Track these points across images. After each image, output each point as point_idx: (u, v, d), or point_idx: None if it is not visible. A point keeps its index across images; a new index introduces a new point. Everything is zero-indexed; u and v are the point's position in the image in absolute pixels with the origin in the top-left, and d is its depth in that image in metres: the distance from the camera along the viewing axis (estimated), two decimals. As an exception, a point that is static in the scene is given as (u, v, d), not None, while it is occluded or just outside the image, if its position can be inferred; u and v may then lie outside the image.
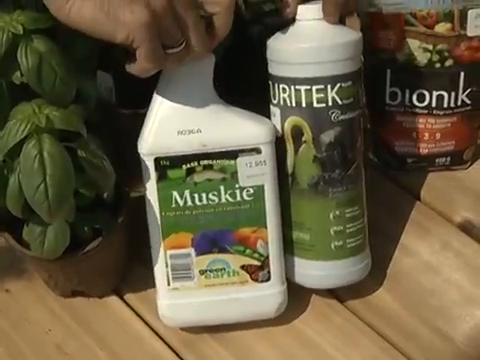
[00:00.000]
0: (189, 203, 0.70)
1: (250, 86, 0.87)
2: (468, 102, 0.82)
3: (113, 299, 0.78)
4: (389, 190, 0.87)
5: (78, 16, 0.59)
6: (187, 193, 0.70)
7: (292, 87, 0.70)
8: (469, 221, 0.84)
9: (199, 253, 0.73)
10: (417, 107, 0.82)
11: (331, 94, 0.69)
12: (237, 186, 0.71)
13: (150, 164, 0.69)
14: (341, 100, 0.70)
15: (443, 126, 0.84)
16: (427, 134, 0.85)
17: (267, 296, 0.75)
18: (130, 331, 0.77)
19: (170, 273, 0.73)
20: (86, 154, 0.67)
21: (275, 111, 0.72)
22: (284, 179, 0.73)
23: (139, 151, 0.69)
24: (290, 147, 0.72)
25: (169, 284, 0.73)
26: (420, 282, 0.80)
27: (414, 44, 0.78)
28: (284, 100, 0.71)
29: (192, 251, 0.72)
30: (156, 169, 0.69)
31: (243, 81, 0.86)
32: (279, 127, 0.72)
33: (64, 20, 0.60)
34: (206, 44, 0.64)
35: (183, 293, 0.74)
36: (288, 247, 0.76)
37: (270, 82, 0.73)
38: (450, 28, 0.77)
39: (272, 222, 0.72)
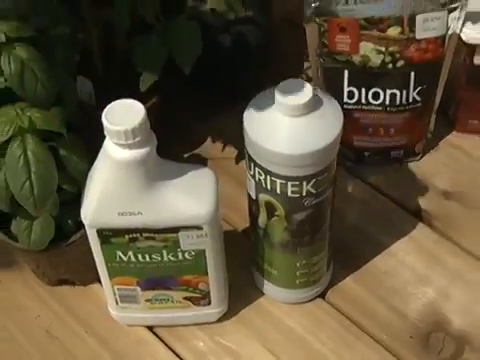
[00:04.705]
0: (133, 259, 0.67)
1: (220, 89, 0.87)
2: (418, 99, 0.82)
3: (96, 286, 0.78)
4: (348, 182, 0.87)
5: None
6: (131, 253, 0.67)
7: (268, 176, 0.64)
8: (421, 208, 0.85)
9: (144, 289, 0.71)
10: (372, 105, 0.83)
11: (306, 187, 0.64)
12: (179, 250, 0.67)
13: (93, 232, 0.65)
14: (316, 190, 0.65)
15: (396, 122, 0.84)
16: (382, 129, 0.85)
17: (208, 314, 0.75)
18: (113, 315, 0.77)
19: (118, 298, 0.72)
20: (67, 153, 0.66)
21: (250, 179, 0.67)
22: (256, 228, 0.71)
23: (81, 219, 0.64)
24: (263, 213, 0.69)
25: (117, 304, 0.73)
26: (377, 265, 0.80)
27: (368, 47, 0.78)
28: (259, 180, 0.66)
29: (138, 288, 0.71)
30: (99, 236, 0.65)
31: (214, 84, 0.86)
32: (253, 194, 0.68)
33: None
34: None
35: (131, 309, 0.73)
36: (259, 269, 0.76)
37: (246, 154, 0.66)
38: (400, 32, 0.77)
39: (213, 271, 0.70)
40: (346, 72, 0.80)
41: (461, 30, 0.79)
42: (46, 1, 0.73)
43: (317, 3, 0.76)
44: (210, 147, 0.90)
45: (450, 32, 0.78)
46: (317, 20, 0.77)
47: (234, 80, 0.83)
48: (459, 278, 0.79)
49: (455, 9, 0.76)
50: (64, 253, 0.73)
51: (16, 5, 0.69)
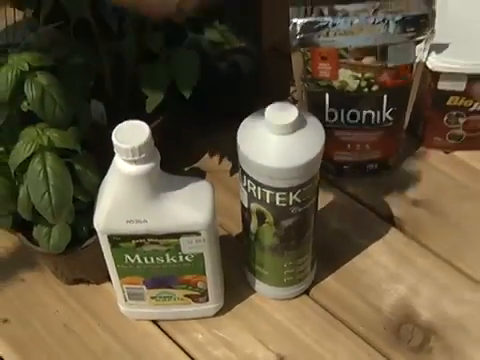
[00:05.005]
0: (139, 262, 0.67)
1: (217, 110, 0.87)
2: (391, 119, 0.82)
3: (108, 285, 0.77)
4: (330, 192, 0.87)
5: None
6: (137, 256, 0.67)
7: (258, 188, 0.64)
8: (393, 215, 0.85)
9: (150, 288, 0.71)
10: (350, 124, 0.82)
11: (292, 197, 0.64)
12: (180, 253, 0.66)
13: (104, 238, 0.65)
14: (301, 199, 0.65)
15: (372, 139, 0.84)
16: (359, 145, 0.85)
17: (206, 309, 0.74)
18: (123, 311, 0.77)
19: (127, 296, 0.72)
20: (82, 167, 0.66)
21: (243, 190, 0.67)
22: (248, 233, 0.71)
23: (94, 226, 0.64)
24: (254, 220, 0.68)
25: (126, 300, 0.73)
26: (355, 265, 0.80)
27: (346, 73, 0.78)
28: (251, 191, 0.65)
29: (144, 287, 0.71)
30: (109, 241, 0.65)
31: (212, 106, 0.86)
32: (246, 203, 0.68)
33: None
34: None
35: (138, 305, 0.73)
36: (251, 269, 0.75)
37: (239, 168, 0.66)
38: (374, 60, 0.76)
39: (210, 272, 0.69)
40: (327, 95, 0.80)
41: (427, 59, 0.79)
42: (64, 35, 0.74)
43: (301, 35, 0.75)
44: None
45: (417, 61, 0.77)
46: (302, 50, 0.77)
47: (229, 102, 0.83)
48: (427, 276, 0.79)
49: (421, 41, 0.76)
50: (79, 256, 0.73)
51: (38, 39, 0.70)
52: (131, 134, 0.59)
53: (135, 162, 0.59)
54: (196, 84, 0.74)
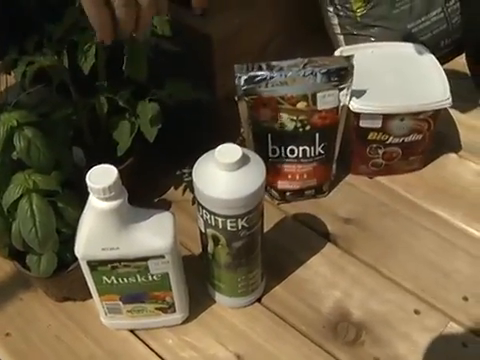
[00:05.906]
0: (115, 282, 0.67)
1: (177, 151, 0.87)
2: (323, 152, 0.83)
3: (91, 301, 0.75)
4: (275, 215, 0.87)
5: None
6: (113, 277, 0.66)
7: (212, 216, 0.64)
8: (329, 231, 0.85)
9: (125, 303, 0.70)
10: (290, 158, 0.83)
11: (241, 223, 0.64)
12: (149, 274, 0.66)
13: (84, 263, 0.64)
14: (248, 224, 0.65)
15: (308, 169, 0.84)
16: (298, 175, 0.85)
17: (174, 318, 0.74)
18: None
19: (106, 311, 0.72)
20: (63, 205, 0.66)
21: (199, 218, 0.67)
22: (207, 253, 0.71)
23: (75, 253, 0.64)
24: (210, 243, 0.68)
25: (106, 314, 0.72)
26: (298, 275, 0.80)
27: (284, 116, 0.79)
28: (206, 219, 0.66)
29: (120, 302, 0.70)
30: (89, 266, 0.65)
31: (173, 147, 0.86)
32: (203, 228, 0.68)
33: None
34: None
35: (117, 318, 0.73)
36: (211, 283, 0.75)
37: (195, 200, 0.66)
38: (306, 105, 0.78)
39: (175, 288, 0.69)
40: (269, 135, 0.81)
41: (349, 102, 0.81)
42: (47, 94, 0.74)
43: (245, 87, 0.77)
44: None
45: (342, 104, 0.79)
46: (246, 99, 0.78)
47: (188, 144, 0.83)
48: (357, 282, 0.79)
49: (344, 89, 0.78)
50: (65, 278, 0.72)
51: (28, 98, 0.70)
52: (102, 176, 0.59)
53: (106, 199, 0.59)
54: (159, 130, 0.75)
